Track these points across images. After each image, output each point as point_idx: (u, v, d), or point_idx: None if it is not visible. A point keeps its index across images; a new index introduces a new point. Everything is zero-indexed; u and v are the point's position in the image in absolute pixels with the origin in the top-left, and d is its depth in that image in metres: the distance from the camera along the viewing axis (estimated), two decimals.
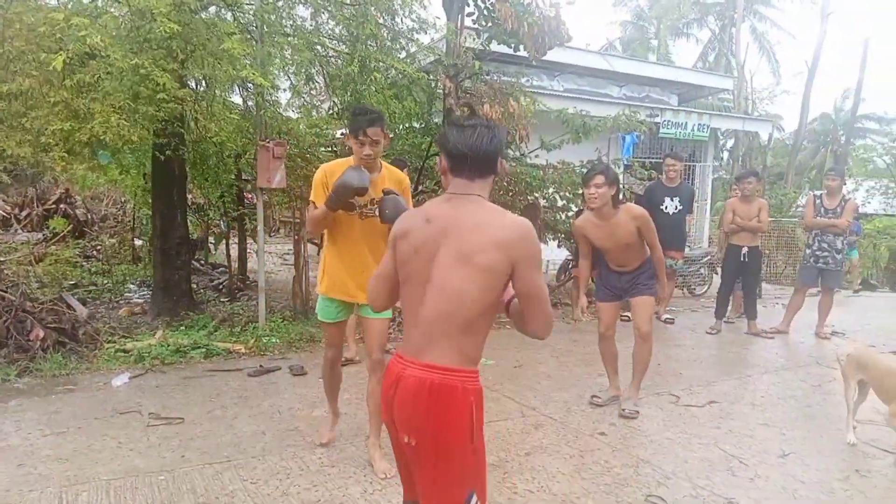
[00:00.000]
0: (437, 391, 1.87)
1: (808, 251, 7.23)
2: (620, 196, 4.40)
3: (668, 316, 7.72)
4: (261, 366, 5.43)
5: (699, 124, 15.24)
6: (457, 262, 1.89)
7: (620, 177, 8.70)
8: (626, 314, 6.43)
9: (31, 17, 5.80)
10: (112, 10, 6.30)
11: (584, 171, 8.66)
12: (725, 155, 29.15)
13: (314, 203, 3.46)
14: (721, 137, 25.67)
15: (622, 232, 4.33)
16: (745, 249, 7.12)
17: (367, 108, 3.55)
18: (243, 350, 5.92)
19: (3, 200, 12.73)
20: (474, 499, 1.93)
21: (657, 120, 14.50)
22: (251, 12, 6.79)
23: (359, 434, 3.99)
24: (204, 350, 5.78)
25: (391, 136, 2.76)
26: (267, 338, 6.18)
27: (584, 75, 15.46)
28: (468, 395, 1.89)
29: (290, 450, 3.78)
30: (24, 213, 12.08)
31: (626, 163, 11.69)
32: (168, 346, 5.73)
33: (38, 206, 12.14)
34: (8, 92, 5.86)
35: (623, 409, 4.46)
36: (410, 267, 1.98)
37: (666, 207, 7.46)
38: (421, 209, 2.06)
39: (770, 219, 8.52)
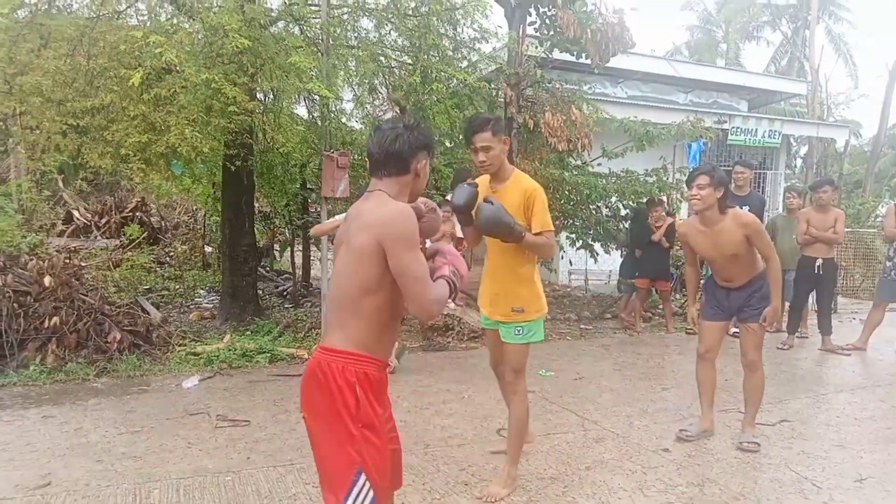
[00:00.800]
0: (321, 371, 1.98)
1: (888, 264, 6.88)
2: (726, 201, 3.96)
3: (735, 329, 7.45)
4: None
5: (770, 130, 14.71)
6: (344, 249, 2.05)
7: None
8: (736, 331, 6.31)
9: (114, 36, 6.12)
10: (187, 26, 6.59)
11: (647, 179, 8.56)
12: (799, 162, 28.06)
13: None
14: (794, 144, 24.75)
15: (728, 240, 3.93)
16: (819, 261, 6.82)
17: (476, 117, 3.39)
18: (306, 355, 6.04)
19: (84, 208, 13.41)
20: (363, 477, 1.95)
21: (725, 126, 14.09)
22: (318, 26, 6.97)
23: (418, 443, 4.02)
24: (269, 355, 5.94)
25: (505, 138, 2.65)
26: None
27: (648, 81, 15.18)
28: (348, 376, 1.95)
29: None
30: (103, 221, 12.70)
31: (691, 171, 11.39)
32: (235, 350, 5.92)
33: (115, 214, 12.75)
34: (91, 106, 6.20)
35: (741, 443, 4.05)
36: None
37: None
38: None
39: (847, 229, 8.15)
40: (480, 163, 3.21)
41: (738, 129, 14.31)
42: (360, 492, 1.95)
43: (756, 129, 14.55)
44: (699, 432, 4.24)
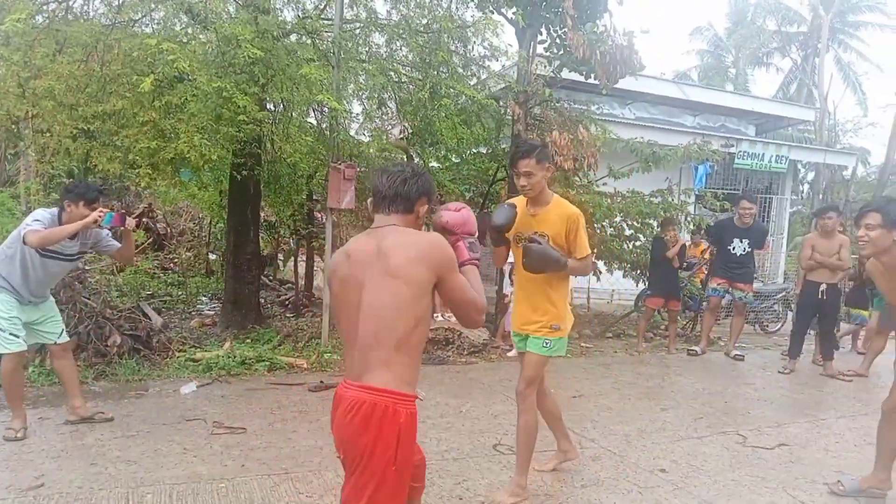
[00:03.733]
0: (369, 410, 1.97)
1: None
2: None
3: (737, 352, 7.44)
4: (321, 381, 5.53)
5: (777, 156, 14.75)
6: (383, 282, 2.03)
7: (691, 208, 8.53)
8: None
9: (128, 43, 6.19)
10: (201, 36, 6.67)
11: (653, 200, 8.57)
12: (805, 188, 28.02)
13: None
14: (801, 170, 24.71)
15: None
16: (823, 286, 6.79)
17: (523, 143, 3.57)
18: (305, 365, 6.04)
19: None
20: None
21: (732, 150, 14.13)
22: (330, 40, 7.03)
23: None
24: (268, 363, 5.94)
25: (548, 165, 2.69)
26: (328, 354, 6.31)
27: (656, 104, 15.26)
28: (398, 417, 1.98)
29: None
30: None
31: (697, 193, 11.42)
32: (234, 357, 5.92)
33: None
34: (102, 111, 6.26)
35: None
36: (342, 299, 2.15)
37: (734, 249, 7.33)
38: (343, 248, 2.25)
39: (852, 256, 8.12)
40: (521, 187, 3.31)
41: (745, 153, 14.35)
42: None
43: (763, 154, 14.58)
44: (856, 490, 3.69)
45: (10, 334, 4.07)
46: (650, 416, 5.12)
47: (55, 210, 4.17)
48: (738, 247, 7.27)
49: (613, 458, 4.18)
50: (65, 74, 6.11)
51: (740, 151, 14.22)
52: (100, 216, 3.99)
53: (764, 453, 4.40)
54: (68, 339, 4.51)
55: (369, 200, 2.38)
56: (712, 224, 8.30)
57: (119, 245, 4.50)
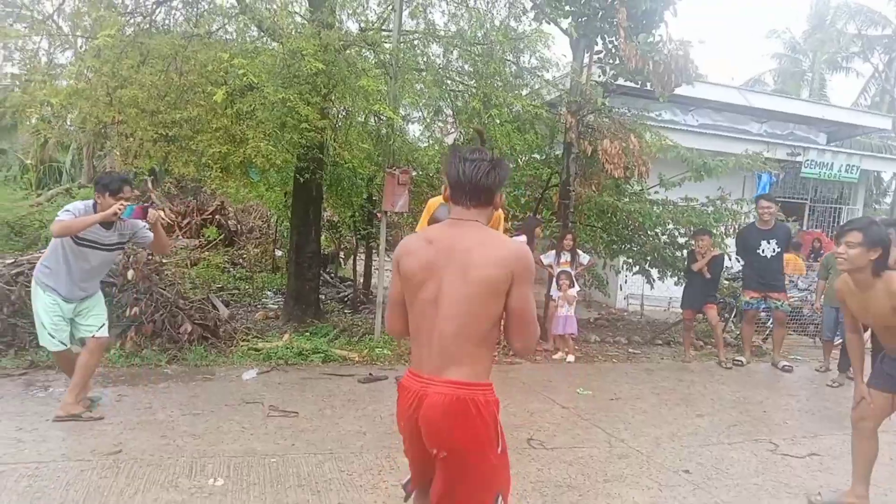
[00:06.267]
0: (463, 406, 2.04)
1: None
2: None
3: (785, 363, 7.39)
4: (370, 374, 5.90)
5: (847, 165, 14.30)
6: (464, 280, 2.06)
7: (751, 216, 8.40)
8: None
9: (204, 55, 6.72)
10: (274, 46, 7.15)
11: (705, 209, 8.58)
12: (889, 198, 26.77)
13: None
14: (885, 181, 23.68)
15: (879, 309, 3.42)
16: None
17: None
18: (357, 358, 6.43)
19: (169, 209, 14.36)
20: (500, 500, 2.13)
21: (799, 159, 13.81)
22: (389, 51, 7.40)
23: None
24: (323, 355, 6.35)
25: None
26: (379, 349, 6.67)
27: (720, 110, 15.01)
28: (491, 407, 2.09)
29: (385, 450, 4.15)
30: (185, 221, 13.57)
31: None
32: (292, 349, 6.36)
33: (196, 216, 13.61)
34: (180, 118, 6.81)
35: None
36: (416, 285, 2.13)
37: (763, 251, 7.26)
38: (423, 232, 2.28)
39: None
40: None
41: (813, 163, 13.98)
42: None
43: (832, 163, 14.17)
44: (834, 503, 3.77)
45: (49, 334, 4.34)
46: (684, 421, 5.25)
47: (90, 202, 4.32)
48: (767, 248, 7.23)
49: (640, 458, 4.35)
50: (147, 84, 6.68)
51: (808, 160, 13.87)
52: (120, 209, 4.11)
53: (793, 461, 4.48)
54: (107, 335, 4.63)
55: (444, 187, 2.37)
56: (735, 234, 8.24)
57: (152, 237, 4.57)
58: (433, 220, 3.57)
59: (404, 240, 2.28)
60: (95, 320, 4.55)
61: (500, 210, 3.76)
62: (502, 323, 2.16)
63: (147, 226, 4.52)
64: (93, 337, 4.50)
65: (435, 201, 3.91)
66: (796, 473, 4.26)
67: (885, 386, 3.58)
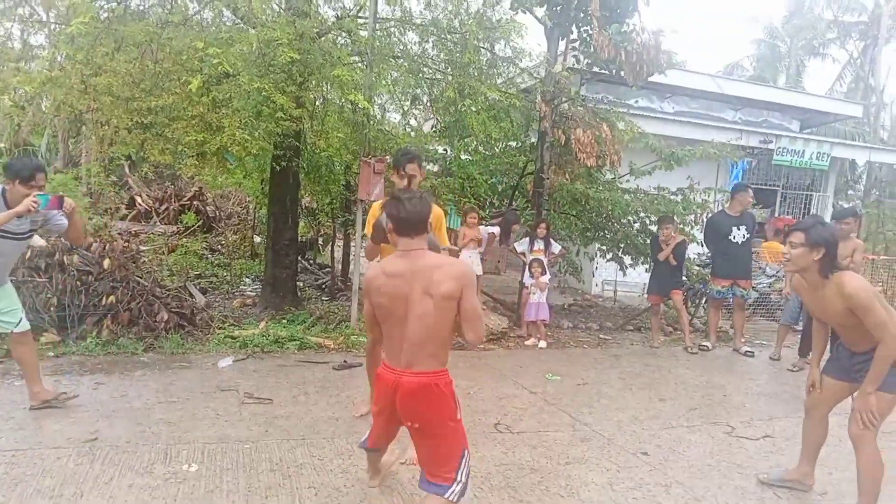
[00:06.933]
0: (429, 389, 2.72)
1: None
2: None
3: (747, 349, 7.63)
4: (345, 361, 6.02)
5: (818, 153, 14.56)
6: (425, 297, 2.67)
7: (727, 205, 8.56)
8: None
9: (179, 43, 6.72)
10: (252, 31, 7.14)
11: (674, 198, 8.77)
12: (861, 185, 27.25)
13: (367, 236, 4.17)
14: (860, 167, 24.08)
15: (831, 309, 3.46)
16: None
17: (407, 149, 4.28)
18: (332, 346, 6.54)
19: (147, 195, 14.32)
20: (466, 454, 2.82)
21: (771, 146, 14.05)
22: (365, 39, 7.43)
23: None
24: (299, 342, 6.46)
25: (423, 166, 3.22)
26: (355, 336, 6.79)
27: (696, 97, 15.22)
28: (449, 387, 2.77)
29: (356, 436, 4.24)
30: (162, 207, 13.56)
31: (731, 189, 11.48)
32: (269, 336, 6.46)
33: (174, 202, 13.59)
34: (155, 106, 6.82)
35: None
36: (387, 309, 2.75)
37: (734, 237, 7.47)
38: (381, 266, 2.85)
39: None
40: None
41: (785, 150, 14.21)
42: (465, 464, 2.79)
43: (804, 151, 14.42)
44: (780, 479, 3.97)
45: None
46: (646, 405, 5.44)
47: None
48: (737, 234, 7.44)
49: (601, 441, 4.54)
50: (122, 72, 6.67)
51: (780, 148, 14.11)
52: (35, 202, 3.84)
53: (747, 443, 4.69)
54: (28, 327, 4.43)
55: (387, 225, 2.92)
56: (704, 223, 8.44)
57: (66, 224, 4.28)
58: (377, 225, 3.78)
59: (369, 275, 2.87)
60: (10, 316, 4.31)
61: (440, 210, 4.21)
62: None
63: (61, 213, 4.20)
64: (12, 333, 4.33)
65: (378, 206, 4.19)
66: (749, 455, 4.47)
67: (838, 374, 3.72)
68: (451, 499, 2.73)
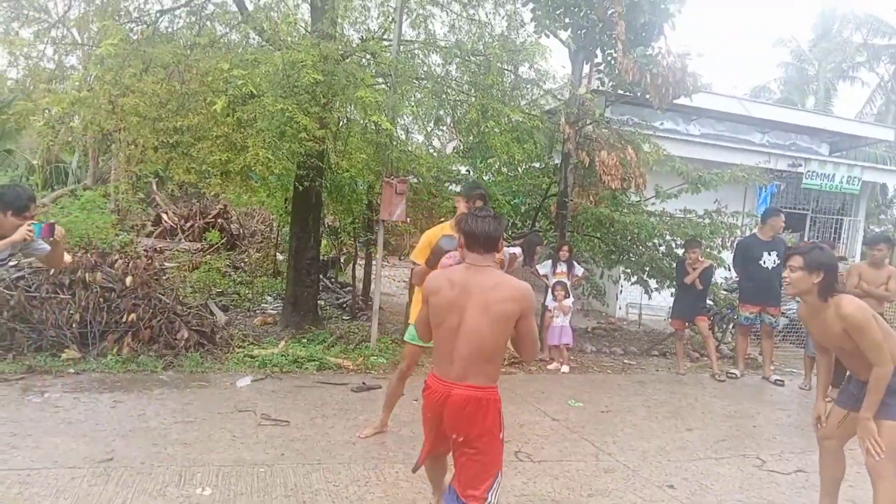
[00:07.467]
0: (478, 403, 2.74)
1: None
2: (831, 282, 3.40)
3: (777, 377, 7.42)
4: (364, 383, 5.95)
5: (849, 176, 14.29)
6: (482, 312, 2.73)
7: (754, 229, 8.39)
8: None
9: (205, 64, 6.81)
10: (277, 54, 7.21)
11: (702, 221, 8.62)
12: (894, 210, 26.65)
13: (416, 261, 4.18)
14: (891, 191, 23.56)
15: (831, 331, 3.42)
16: None
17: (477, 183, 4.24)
18: (351, 366, 6.48)
19: (173, 212, 14.49)
20: (500, 476, 2.85)
21: (800, 170, 13.82)
22: (389, 61, 7.46)
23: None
24: (318, 363, 6.41)
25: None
26: (374, 357, 6.73)
27: (723, 120, 15.04)
28: (497, 404, 2.81)
29: (373, 461, 4.21)
30: (188, 224, 13.71)
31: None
32: (288, 356, 6.42)
33: (199, 219, 13.73)
34: (181, 126, 6.89)
35: None
36: (442, 316, 2.82)
37: (764, 262, 7.31)
38: (445, 274, 2.96)
39: None
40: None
41: (814, 174, 13.97)
42: (498, 486, 2.83)
43: (833, 175, 14.16)
44: None
45: None
46: (673, 435, 5.28)
47: None
48: (768, 260, 7.28)
49: (626, 472, 4.40)
50: (149, 92, 6.77)
51: (809, 171, 13.87)
52: (29, 233, 3.75)
53: (778, 477, 4.52)
54: None
55: (459, 239, 3.03)
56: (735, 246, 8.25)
57: (48, 249, 4.08)
58: (436, 250, 3.83)
59: (432, 278, 2.96)
60: None
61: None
62: (510, 341, 2.87)
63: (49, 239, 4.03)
64: None
65: (433, 233, 4.24)
66: (781, 490, 4.30)
67: (847, 404, 3.61)
68: None
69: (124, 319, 6.12)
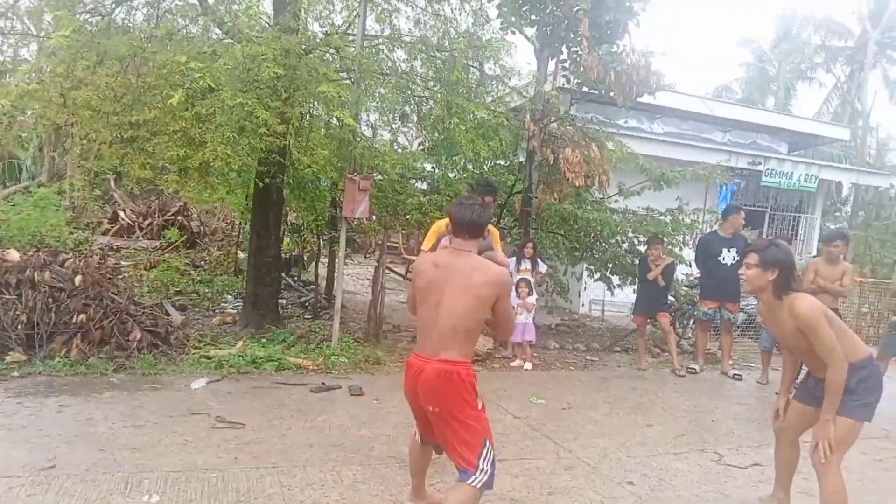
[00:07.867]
0: (449, 376, 2.91)
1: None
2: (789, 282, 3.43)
3: (735, 372, 7.51)
4: (323, 383, 5.84)
5: (806, 174, 14.60)
6: (461, 293, 2.94)
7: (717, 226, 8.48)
8: None
9: (162, 57, 6.60)
10: (238, 47, 7.03)
11: (664, 218, 8.69)
12: (848, 208, 27.39)
13: (423, 249, 4.17)
14: (848, 189, 24.17)
15: (786, 330, 3.46)
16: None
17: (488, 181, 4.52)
18: (311, 366, 6.36)
19: (131, 209, 14.13)
20: (488, 444, 2.97)
21: (759, 168, 14.06)
22: (352, 56, 7.33)
23: (395, 457, 4.27)
24: (276, 363, 6.27)
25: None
26: (336, 357, 6.61)
27: (686, 119, 15.23)
28: (470, 377, 2.96)
29: (330, 464, 4.12)
30: (146, 222, 13.38)
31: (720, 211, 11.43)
32: (246, 356, 6.26)
33: (158, 217, 13.41)
34: (137, 121, 6.67)
35: None
36: (425, 294, 3.04)
37: (724, 259, 7.38)
38: (431, 257, 3.18)
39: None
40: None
41: (773, 172, 14.23)
42: (488, 454, 2.95)
43: (792, 173, 14.45)
44: None
45: None
46: (633, 431, 5.29)
47: None
48: (727, 256, 7.36)
49: (586, 469, 4.38)
50: (103, 86, 6.54)
51: (768, 169, 14.12)
52: None
53: (735, 471, 4.55)
54: None
55: (447, 224, 3.24)
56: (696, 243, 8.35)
57: None
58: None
59: (420, 260, 3.24)
60: None
61: (496, 230, 4.69)
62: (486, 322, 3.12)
63: None
64: None
65: (442, 223, 4.35)
66: (737, 484, 4.33)
67: (805, 399, 3.67)
68: (474, 485, 2.88)
69: (74, 320, 5.90)
